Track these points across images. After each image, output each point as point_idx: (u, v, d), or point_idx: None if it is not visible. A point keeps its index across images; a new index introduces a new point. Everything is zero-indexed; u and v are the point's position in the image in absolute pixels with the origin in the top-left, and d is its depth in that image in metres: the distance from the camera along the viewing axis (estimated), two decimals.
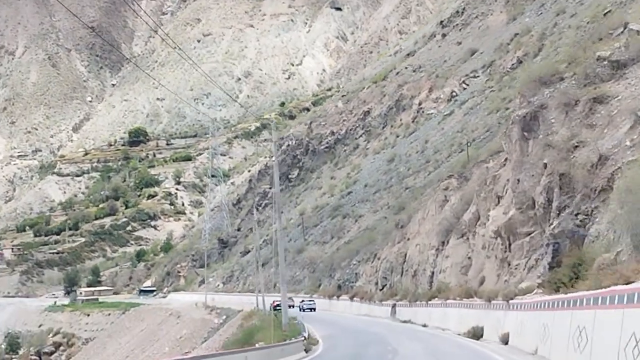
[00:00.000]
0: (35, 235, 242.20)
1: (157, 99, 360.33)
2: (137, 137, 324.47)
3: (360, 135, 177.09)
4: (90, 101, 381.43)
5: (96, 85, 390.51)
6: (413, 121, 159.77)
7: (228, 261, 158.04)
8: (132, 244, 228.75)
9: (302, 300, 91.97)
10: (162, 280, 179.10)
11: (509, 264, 44.00)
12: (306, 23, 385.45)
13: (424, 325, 55.00)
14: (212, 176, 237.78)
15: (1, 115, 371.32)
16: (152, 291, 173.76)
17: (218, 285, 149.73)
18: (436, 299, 54.40)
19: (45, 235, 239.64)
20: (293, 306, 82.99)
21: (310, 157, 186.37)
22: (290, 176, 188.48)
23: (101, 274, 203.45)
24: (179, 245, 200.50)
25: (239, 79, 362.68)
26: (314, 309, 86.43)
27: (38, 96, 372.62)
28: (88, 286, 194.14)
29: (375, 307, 74.35)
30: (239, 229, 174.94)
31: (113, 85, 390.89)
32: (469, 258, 54.35)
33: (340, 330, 56.91)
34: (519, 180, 40.48)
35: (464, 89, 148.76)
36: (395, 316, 66.28)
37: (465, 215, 56.68)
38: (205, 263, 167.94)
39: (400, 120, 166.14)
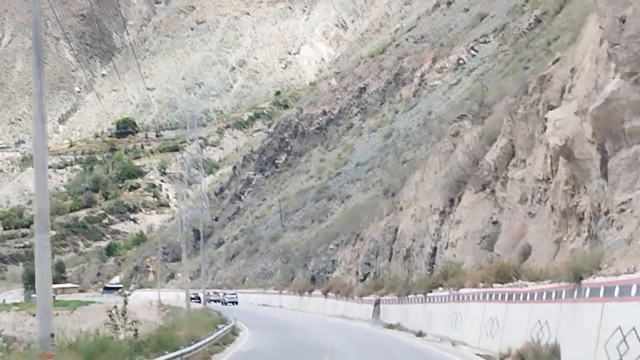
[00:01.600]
0: (5, 229, 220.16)
1: (148, 88, 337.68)
2: (125, 128, 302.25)
3: (355, 114, 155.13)
4: (79, 91, 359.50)
5: (85, 75, 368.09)
6: (414, 95, 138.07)
7: (200, 254, 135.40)
8: (107, 238, 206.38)
9: (224, 294, 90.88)
10: (130, 276, 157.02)
11: (582, 216, 21.78)
12: (304, 10, 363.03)
13: (419, 334, 32.59)
14: (196, 168, 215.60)
15: None
16: (117, 288, 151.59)
17: (185, 281, 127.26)
18: (440, 288, 32.10)
19: (15, 229, 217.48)
20: (218, 301, 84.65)
21: (299, 140, 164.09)
22: (277, 161, 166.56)
23: (68, 270, 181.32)
24: (152, 238, 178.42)
25: (234, 68, 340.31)
26: (236, 302, 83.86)
27: (23, 86, 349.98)
28: (52, 283, 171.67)
29: (354, 305, 52.02)
30: (216, 219, 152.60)
31: (103, 75, 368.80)
32: (495, 222, 32.12)
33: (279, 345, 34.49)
34: (624, 20, 18.04)
35: (473, 55, 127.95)
36: (379, 318, 44.04)
37: (490, 154, 34.34)
38: (177, 257, 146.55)
39: (400, 95, 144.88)
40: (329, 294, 60.26)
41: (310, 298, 66.24)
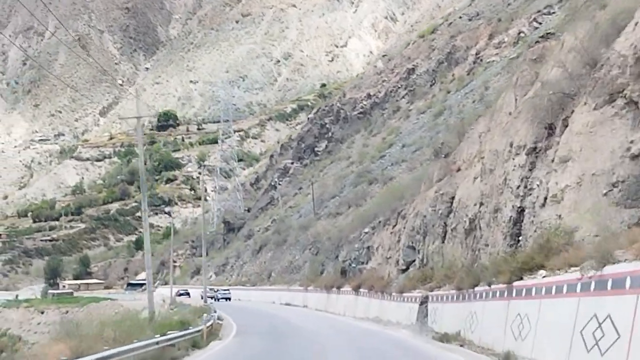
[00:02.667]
0: (34, 221, 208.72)
1: (191, 81, 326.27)
2: (167, 121, 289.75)
3: (402, 97, 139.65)
4: (121, 84, 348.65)
5: (128, 68, 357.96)
6: (469, 73, 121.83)
7: (229, 248, 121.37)
8: (140, 232, 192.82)
9: (217, 290, 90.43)
10: (156, 272, 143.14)
11: None
12: (353, 2, 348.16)
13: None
14: (237, 160, 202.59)
15: (25, 97, 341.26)
16: (142, 285, 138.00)
17: (210, 276, 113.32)
18: (541, 272, 16.90)
19: (45, 221, 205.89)
20: (212, 297, 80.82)
21: (341, 125, 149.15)
22: (316, 149, 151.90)
23: (94, 265, 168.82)
24: (183, 231, 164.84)
25: (278, 60, 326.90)
26: (229, 299, 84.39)
27: (65, 78, 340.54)
28: (75, 278, 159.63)
29: (391, 304, 37.01)
30: (248, 210, 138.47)
31: (147, 69, 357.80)
32: (638, 155, 16.69)
33: None
34: None
35: (535, 28, 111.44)
36: (426, 323, 29.02)
37: (622, 40, 19.04)
38: (206, 251, 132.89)
39: (453, 75, 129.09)
40: (361, 290, 45.32)
41: (339, 296, 51.38)
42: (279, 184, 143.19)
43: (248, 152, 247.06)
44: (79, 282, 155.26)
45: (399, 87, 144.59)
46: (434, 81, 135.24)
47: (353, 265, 51.59)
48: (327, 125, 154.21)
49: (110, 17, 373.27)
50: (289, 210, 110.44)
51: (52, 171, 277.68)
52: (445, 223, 33.99)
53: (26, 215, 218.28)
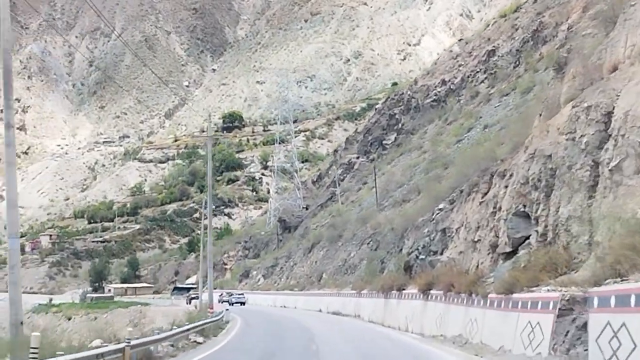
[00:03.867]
0: (90, 222, 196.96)
1: (257, 82, 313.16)
2: (232, 122, 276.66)
3: (482, 81, 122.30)
4: (187, 86, 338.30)
5: (195, 69, 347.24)
6: (560, 47, 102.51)
7: (282, 248, 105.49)
8: (198, 234, 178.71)
9: (231, 294, 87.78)
10: (206, 275, 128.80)
11: None
12: (426, 0, 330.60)
13: None
14: (302, 162, 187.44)
15: (91, 99, 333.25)
16: (189, 289, 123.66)
17: (259, 279, 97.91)
18: None
19: (100, 222, 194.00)
20: (227, 301, 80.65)
21: (412, 115, 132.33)
22: (384, 142, 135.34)
23: (144, 268, 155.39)
24: (236, 232, 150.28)
25: (348, 60, 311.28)
26: (243, 303, 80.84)
27: (131, 80, 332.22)
28: (122, 282, 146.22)
29: (489, 315, 20.23)
30: (306, 208, 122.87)
31: (214, 70, 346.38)
32: None
33: None
34: None
35: None
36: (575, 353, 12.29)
37: None
38: (259, 252, 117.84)
39: (540, 54, 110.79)
40: (432, 292, 28.79)
41: (400, 301, 34.94)
42: (342, 179, 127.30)
43: (314, 152, 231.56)
44: (125, 285, 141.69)
45: (477, 71, 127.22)
46: (517, 62, 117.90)
47: (421, 256, 35.16)
48: (397, 116, 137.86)
49: (177, 18, 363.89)
50: (350, 204, 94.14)
51: (114, 173, 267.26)
52: (594, 161, 17.43)
53: (82, 217, 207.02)
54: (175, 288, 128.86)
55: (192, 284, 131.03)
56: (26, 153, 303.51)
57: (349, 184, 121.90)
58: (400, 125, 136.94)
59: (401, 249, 44.62)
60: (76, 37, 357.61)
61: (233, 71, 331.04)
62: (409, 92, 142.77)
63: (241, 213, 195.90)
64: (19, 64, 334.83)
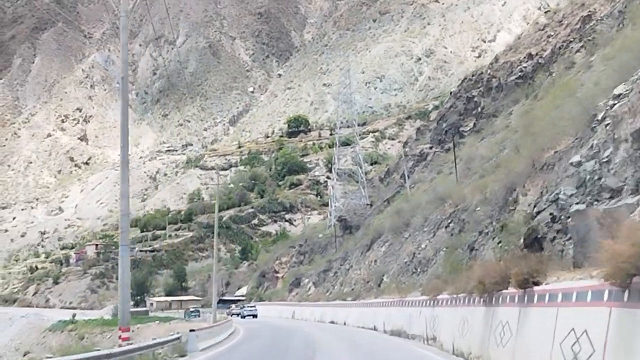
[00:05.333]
0: (142, 231, 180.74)
1: (324, 84, 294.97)
2: (297, 127, 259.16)
3: (578, 50, 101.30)
4: (252, 92, 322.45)
5: (260, 74, 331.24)
6: None
7: (340, 250, 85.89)
8: (256, 241, 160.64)
9: (243, 307, 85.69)
10: (257, 286, 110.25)
11: None
12: None
13: None
14: (370, 164, 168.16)
15: (154, 107, 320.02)
16: (237, 301, 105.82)
17: (309, 288, 78.86)
18: None
19: (152, 230, 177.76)
20: (238, 314, 78.58)
21: (493, 96, 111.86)
22: (462, 129, 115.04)
23: (193, 279, 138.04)
24: (292, 237, 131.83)
25: (419, 58, 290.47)
26: (255, 316, 78.06)
27: (194, 87, 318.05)
28: (167, 294, 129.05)
29: None
30: (370, 204, 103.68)
31: (280, 75, 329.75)
32: None
33: None
34: None
35: None
36: None
37: None
38: (314, 258, 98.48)
39: None
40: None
41: (536, 309, 15.00)
42: (412, 172, 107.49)
43: (384, 154, 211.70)
44: (169, 298, 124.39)
45: (570, 41, 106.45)
46: (621, 23, 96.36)
47: (564, 214, 15.32)
48: (475, 99, 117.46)
49: (242, 23, 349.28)
50: (419, 192, 74.26)
51: (175, 181, 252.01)
52: None
53: (136, 225, 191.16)
54: (220, 301, 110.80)
55: (242, 295, 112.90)
56: (87, 163, 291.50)
57: (421, 175, 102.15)
58: (479, 109, 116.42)
59: (512, 209, 25.06)
60: (140, 45, 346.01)
61: (299, 75, 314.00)
62: (489, 72, 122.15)
63: (304, 219, 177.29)
64: (81, 73, 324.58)
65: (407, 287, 37.77)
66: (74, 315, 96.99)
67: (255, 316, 78.66)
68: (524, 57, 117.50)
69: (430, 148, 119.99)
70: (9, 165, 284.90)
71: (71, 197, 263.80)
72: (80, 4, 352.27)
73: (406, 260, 43.71)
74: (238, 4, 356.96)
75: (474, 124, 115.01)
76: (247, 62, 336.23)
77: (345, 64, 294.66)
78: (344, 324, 47.83)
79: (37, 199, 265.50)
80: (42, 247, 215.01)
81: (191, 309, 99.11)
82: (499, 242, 26.17)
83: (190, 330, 28.48)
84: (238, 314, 78.67)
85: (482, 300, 18.96)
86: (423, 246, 41.63)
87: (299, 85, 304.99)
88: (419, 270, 39.77)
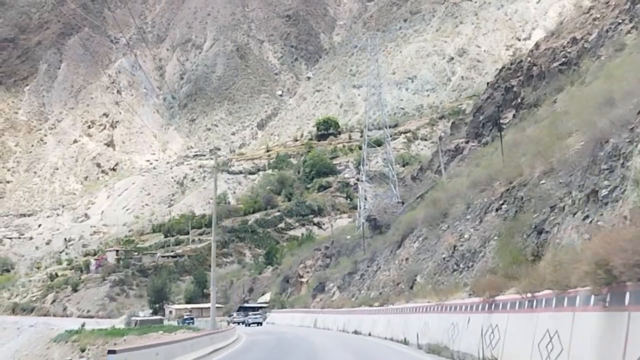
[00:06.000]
0: (166, 236, 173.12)
1: (354, 86, 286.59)
2: (327, 130, 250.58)
3: (628, 32, 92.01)
4: (281, 95, 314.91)
5: (289, 77, 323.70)
6: None
7: (367, 252, 77.13)
8: (282, 245, 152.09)
9: (247, 315, 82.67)
10: (280, 292, 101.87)
11: None
12: None
13: None
14: (402, 165, 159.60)
15: (181, 112, 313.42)
16: (257, 308, 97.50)
17: (333, 293, 70.32)
18: None
19: (174, 235, 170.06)
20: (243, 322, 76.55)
21: (534, 84, 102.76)
22: (501, 121, 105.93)
23: (217, 283, 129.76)
24: (319, 238, 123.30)
25: (452, 58, 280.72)
26: (260, 323, 76.52)
27: (222, 91, 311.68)
28: (188, 302, 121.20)
29: None
30: (402, 202, 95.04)
31: (308, 78, 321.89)
32: None
33: None
34: None
35: None
36: None
37: None
38: (339, 260, 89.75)
39: None
40: None
41: None
42: (447, 167, 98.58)
43: (416, 154, 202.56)
44: (190, 306, 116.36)
45: (619, 22, 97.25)
46: None
47: None
48: (515, 89, 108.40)
49: (270, 26, 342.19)
50: (458, 184, 65.41)
51: (201, 186, 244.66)
52: None
53: (159, 231, 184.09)
54: (240, 308, 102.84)
55: (265, 302, 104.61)
56: (114, 169, 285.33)
57: (457, 169, 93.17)
58: (519, 99, 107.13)
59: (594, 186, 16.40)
60: (167, 49, 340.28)
61: (328, 77, 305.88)
62: (529, 59, 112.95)
63: (331, 221, 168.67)
64: (107, 78, 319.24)
65: (447, 288, 29.17)
66: (83, 325, 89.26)
67: (260, 324, 77.81)
68: (568, 42, 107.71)
69: (467, 142, 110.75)
70: (35, 172, 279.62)
71: (97, 204, 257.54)
72: (107, 9, 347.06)
73: (444, 256, 35.11)
74: (266, 6, 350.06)
75: (514, 114, 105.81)
76: (276, 65, 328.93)
77: (375, 66, 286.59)
78: (369, 334, 39.30)
79: (62, 206, 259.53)
80: (66, 254, 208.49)
81: (185, 316, 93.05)
82: (585, 216, 17.67)
83: (109, 352, 18.70)
84: (242, 322, 76.81)
85: (599, 297, 10.38)
86: (466, 236, 33.03)
87: (329, 87, 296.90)
88: (461, 266, 31.20)
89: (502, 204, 29.75)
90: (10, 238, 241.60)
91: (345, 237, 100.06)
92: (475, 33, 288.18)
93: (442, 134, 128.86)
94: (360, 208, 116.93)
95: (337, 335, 42.99)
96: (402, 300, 36.81)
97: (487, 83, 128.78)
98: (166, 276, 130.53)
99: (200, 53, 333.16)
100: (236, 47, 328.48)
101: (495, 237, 27.30)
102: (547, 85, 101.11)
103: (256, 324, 76.17)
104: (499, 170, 37.21)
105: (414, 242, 46.08)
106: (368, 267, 60.45)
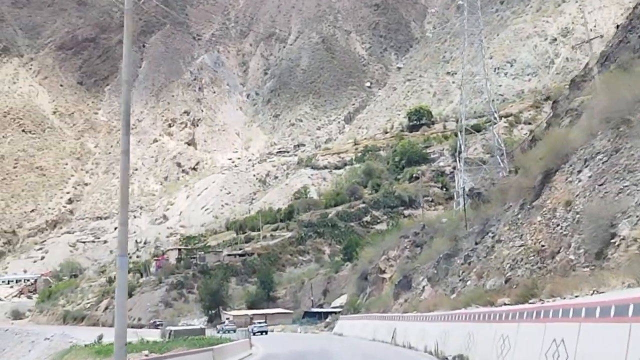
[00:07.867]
0: (237, 233, 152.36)
1: (447, 73, 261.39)
2: (419, 120, 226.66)
3: None
4: (369, 87, 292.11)
5: (377, 68, 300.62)
6: None
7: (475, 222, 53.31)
8: (368, 241, 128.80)
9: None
10: (359, 292, 78.86)
11: None
12: None
13: None
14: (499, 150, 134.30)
15: (265, 108, 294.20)
16: (327, 314, 75.07)
17: (422, 289, 46.97)
18: None
19: (249, 231, 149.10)
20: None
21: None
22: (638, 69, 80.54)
23: (283, 286, 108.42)
24: (405, 225, 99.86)
25: (555, 39, 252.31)
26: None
27: (307, 84, 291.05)
28: (249, 307, 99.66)
29: None
30: (493, 183, 71.79)
31: (399, 68, 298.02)
32: None
33: None
34: None
35: None
36: None
37: None
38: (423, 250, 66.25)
39: None
40: None
41: None
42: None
43: (519, 139, 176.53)
44: (251, 312, 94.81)
45: None
46: None
47: None
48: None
49: (357, 16, 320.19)
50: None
51: (283, 182, 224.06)
52: None
53: (232, 228, 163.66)
54: (306, 313, 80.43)
55: (339, 306, 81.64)
56: (195, 169, 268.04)
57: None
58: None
59: None
60: (250, 44, 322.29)
61: (419, 65, 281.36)
62: (621, 33, 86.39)
63: (426, 214, 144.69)
64: (189, 75, 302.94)
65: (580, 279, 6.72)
66: (100, 337, 68.52)
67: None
68: None
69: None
70: (113, 174, 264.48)
71: (176, 205, 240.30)
72: (189, 5, 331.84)
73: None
74: None
75: None
76: (364, 56, 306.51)
77: (471, 50, 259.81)
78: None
79: (140, 208, 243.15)
80: (137, 257, 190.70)
81: (225, 324, 72.89)
82: None
83: None
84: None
85: None
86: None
87: (420, 76, 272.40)
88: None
89: None
90: (84, 242, 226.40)
91: (440, 220, 76.58)
92: (580, 11, 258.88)
93: (560, 95, 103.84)
94: (458, 187, 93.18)
95: None
96: (545, 293, 13.52)
97: (617, 25, 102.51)
98: (222, 277, 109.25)
99: (284, 47, 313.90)
100: (322, 39, 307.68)
101: None
102: None
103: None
104: None
105: (582, 168, 22.73)
106: (476, 243, 37.15)
